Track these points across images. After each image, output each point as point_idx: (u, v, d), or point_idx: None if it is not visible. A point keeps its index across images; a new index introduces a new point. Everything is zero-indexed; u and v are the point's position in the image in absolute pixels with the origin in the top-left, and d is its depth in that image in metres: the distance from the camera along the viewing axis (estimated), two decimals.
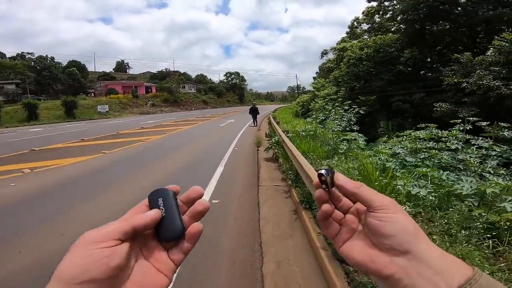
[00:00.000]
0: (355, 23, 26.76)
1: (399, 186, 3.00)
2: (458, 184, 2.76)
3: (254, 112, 16.42)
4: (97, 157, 7.95)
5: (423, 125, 5.07)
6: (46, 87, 55.31)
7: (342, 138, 7.55)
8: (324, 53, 62.15)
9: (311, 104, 20.58)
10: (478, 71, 11.35)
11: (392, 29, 21.25)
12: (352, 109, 9.91)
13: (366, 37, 23.27)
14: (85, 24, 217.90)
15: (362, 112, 10.66)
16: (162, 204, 0.36)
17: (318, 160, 5.65)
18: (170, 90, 48.98)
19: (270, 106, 58.93)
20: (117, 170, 6.60)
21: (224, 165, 6.57)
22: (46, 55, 58.35)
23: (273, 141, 7.13)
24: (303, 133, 8.41)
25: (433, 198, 2.73)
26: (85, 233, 0.32)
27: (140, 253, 0.35)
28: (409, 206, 2.63)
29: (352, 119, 9.60)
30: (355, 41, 21.32)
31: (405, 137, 5.37)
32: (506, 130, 4.44)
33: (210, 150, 8.97)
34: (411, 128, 6.31)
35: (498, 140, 4.47)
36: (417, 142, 4.81)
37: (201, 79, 78.21)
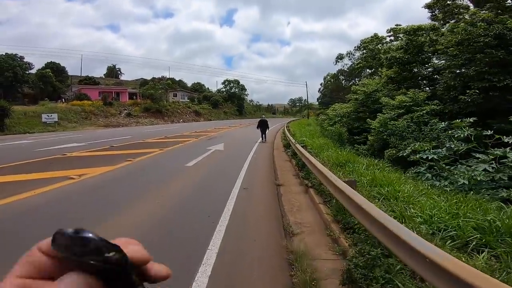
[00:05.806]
0: None
1: None
2: None
3: (263, 126, 14.62)
4: None
5: None
6: (11, 90, 46.79)
7: None
8: (339, 58, 53.58)
9: (368, 120, 11.23)
10: None
11: None
12: None
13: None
14: (93, 31, 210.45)
15: None
16: None
17: None
18: (153, 97, 39.84)
19: (275, 120, 48.94)
20: None
21: None
22: (15, 54, 49.96)
23: None
24: None
25: None
26: None
27: None
28: None
29: None
30: (468, 15, 12.19)
31: None
32: None
33: None
34: None
35: None
36: None
37: (197, 88, 69.47)
